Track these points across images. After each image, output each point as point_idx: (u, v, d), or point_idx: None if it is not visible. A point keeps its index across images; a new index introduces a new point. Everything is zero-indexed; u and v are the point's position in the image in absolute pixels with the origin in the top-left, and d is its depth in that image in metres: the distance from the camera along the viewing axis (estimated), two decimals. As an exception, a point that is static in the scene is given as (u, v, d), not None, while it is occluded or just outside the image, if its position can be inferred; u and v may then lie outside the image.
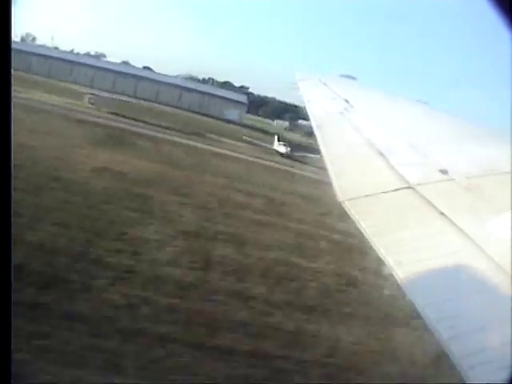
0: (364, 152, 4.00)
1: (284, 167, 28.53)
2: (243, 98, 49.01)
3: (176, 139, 27.86)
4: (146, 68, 57.69)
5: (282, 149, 32.75)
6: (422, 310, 2.05)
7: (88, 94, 31.58)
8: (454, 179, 3.07)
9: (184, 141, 27.95)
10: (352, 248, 15.38)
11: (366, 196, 3.21)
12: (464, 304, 2.09)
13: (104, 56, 57.96)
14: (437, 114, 6.12)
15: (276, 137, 34.84)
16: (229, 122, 42.40)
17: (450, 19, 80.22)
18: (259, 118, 58.48)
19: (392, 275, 2.32)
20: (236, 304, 8.99)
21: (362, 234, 2.75)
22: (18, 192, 9.83)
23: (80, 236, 10.22)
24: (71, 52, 53.13)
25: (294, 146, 38.01)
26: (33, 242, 8.88)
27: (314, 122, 5.10)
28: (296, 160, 32.09)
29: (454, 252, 2.34)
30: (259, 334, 8.06)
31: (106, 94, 33.98)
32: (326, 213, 19.55)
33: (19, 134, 13.19)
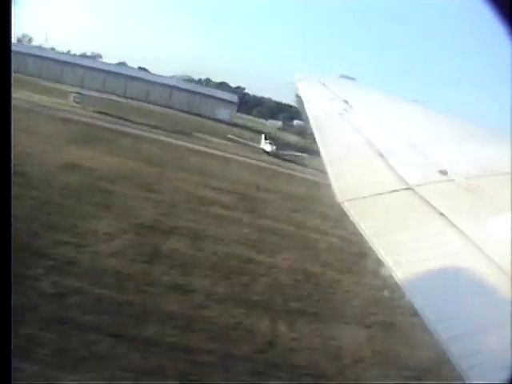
0: (363, 152, 4.03)
1: (266, 165, 28.41)
2: (234, 98, 49.13)
3: (160, 138, 27.88)
4: (142, 69, 58.06)
5: (268, 147, 32.68)
6: (421, 310, 2.05)
7: (73, 92, 31.80)
8: (453, 180, 3.07)
9: (167, 139, 27.95)
10: (317, 245, 15.31)
11: (365, 197, 3.22)
12: (463, 305, 2.10)
13: (100, 57, 58.45)
14: (436, 114, 6.05)
15: (263, 135, 34.76)
16: (219, 121, 42.48)
17: (450, 19, 79.64)
18: (253, 118, 58.53)
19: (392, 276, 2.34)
20: (172, 297, 8.90)
21: (361, 234, 2.78)
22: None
23: (26, 228, 10.21)
24: (67, 53, 53.67)
25: (283, 144, 37.93)
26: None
27: (313, 123, 5.12)
28: (281, 158, 32.02)
29: (454, 253, 2.35)
30: (188, 327, 7.94)
31: (95, 94, 34.16)
32: (299, 209, 19.51)
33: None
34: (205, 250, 11.76)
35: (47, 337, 6.73)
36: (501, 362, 1.70)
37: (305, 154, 34.14)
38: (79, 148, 19.57)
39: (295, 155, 33.29)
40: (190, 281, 9.84)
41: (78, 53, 56.83)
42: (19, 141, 18.31)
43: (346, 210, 3.06)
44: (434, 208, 2.73)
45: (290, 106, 57.66)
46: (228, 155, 28.33)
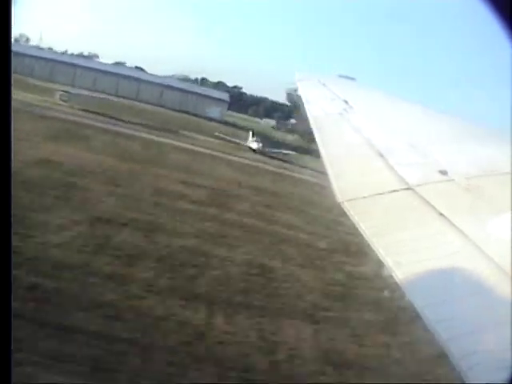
0: (363, 153, 4.06)
1: (248, 162, 28.39)
2: (225, 96, 49.34)
3: (143, 135, 28.00)
4: (139, 69, 58.42)
5: (254, 145, 32.70)
6: (421, 310, 2.06)
7: (60, 91, 32.07)
8: (453, 180, 3.09)
9: (151, 136, 28.06)
10: (284, 239, 15.21)
11: (366, 197, 3.25)
12: (463, 305, 2.10)
13: (97, 56, 58.93)
14: (436, 114, 6.06)
15: (250, 133, 34.78)
16: (210, 119, 42.61)
17: (450, 19, 79.02)
18: (248, 117, 58.68)
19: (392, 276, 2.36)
20: (109, 287, 8.90)
21: (361, 234, 2.81)
22: None
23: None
24: (63, 53, 54.17)
25: (273, 142, 37.92)
26: None
27: (313, 123, 5.15)
28: (267, 156, 31.98)
29: (454, 253, 2.37)
30: (116, 317, 7.89)
31: (84, 92, 34.41)
32: (272, 205, 19.44)
33: None
34: (158, 243, 11.76)
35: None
36: (501, 362, 1.71)
37: (293, 152, 34.11)
38: (56, 144, 19.72)
39: (283, 153, 33.27)
40: (133, 272, 9.83)
41: (75, 53, 57.41)
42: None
43: (346, 210, 3.09)
44: (434, 208, 2.76)
45: (287, 106, 57.73)
46: (212, 152, 28.36)
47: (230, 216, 15.96)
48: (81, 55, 56.85)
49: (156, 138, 27.95)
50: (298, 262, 13.28)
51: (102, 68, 47.79)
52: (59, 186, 14.21)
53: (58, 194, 13.50)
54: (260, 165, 28.38)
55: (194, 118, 42.85)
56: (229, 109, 51.86)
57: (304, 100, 6.26)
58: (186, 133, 32.78)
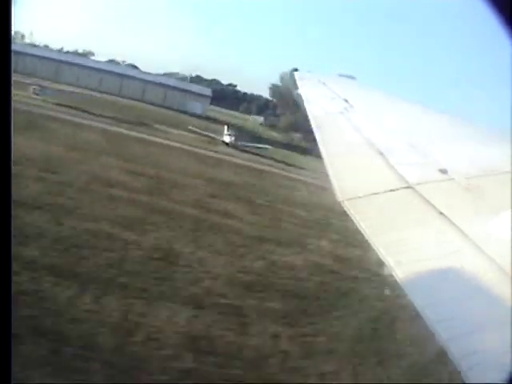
0: (364, 152, 4.08)
1: (218, 155, 28.31)
2: (206, 91, 49.38)
3: (112, 128, 28.21)
4: (133, 67, 59.07)
5: (227, 138, 32.67)
6: (421, 310, 2.09)
7: (34, 85, 32.60)
8: (453, 179, 3.13)
9: (119, 129, 28.25)
10: (212, 227, 15.03)
11: (366, 196, 3.29)
12: (464, 304, 2.12)
13: (92, 54, 59.81)
14: (436, 114, 6.03)
15: (225, 127, 34.78)
16: (190, 114, 42.73)
17: (450, 19, 77.49)
18: (239, 114, 58.70)
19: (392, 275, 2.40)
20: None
21: (361, 233, 2.84)
22: None
23: None
24: (60, 50, 55.18)
25: (255, 137, 37.79)
26: None
27: (313, 122, 5.17)
28: (239, 149, 31.87)
29: (454, 252, 2.39)
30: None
31: (62, 87, 34.91)
32: (219, 195, 19.30)
33: None
34: (63, 225, 11.74)
35: None
36: (501, 362, 1.71)
37: (269, 146, 33.94)
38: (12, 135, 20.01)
39: (257, 147, 33.14)
40: (20, 250, 9.77)
41: (70, 50, 58.39)
42: None
43: (346, 209, 3.11)
44: (434, 207, 2.77)
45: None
46: (181, 145, 28.39)
47: (163, 204, 15.88)
48: (75, 53, 57.71)
49: (125, 131, 28.13)
50: (215, 249, 13.08)
51: (90, 64, 48.47)
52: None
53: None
54: (227, 157, 28.28)
55: (174, 112, 43.04)
56: (221, 106, 51.96)
57: (304, 99, 6.28)
58: (159, 127, 32.92)
